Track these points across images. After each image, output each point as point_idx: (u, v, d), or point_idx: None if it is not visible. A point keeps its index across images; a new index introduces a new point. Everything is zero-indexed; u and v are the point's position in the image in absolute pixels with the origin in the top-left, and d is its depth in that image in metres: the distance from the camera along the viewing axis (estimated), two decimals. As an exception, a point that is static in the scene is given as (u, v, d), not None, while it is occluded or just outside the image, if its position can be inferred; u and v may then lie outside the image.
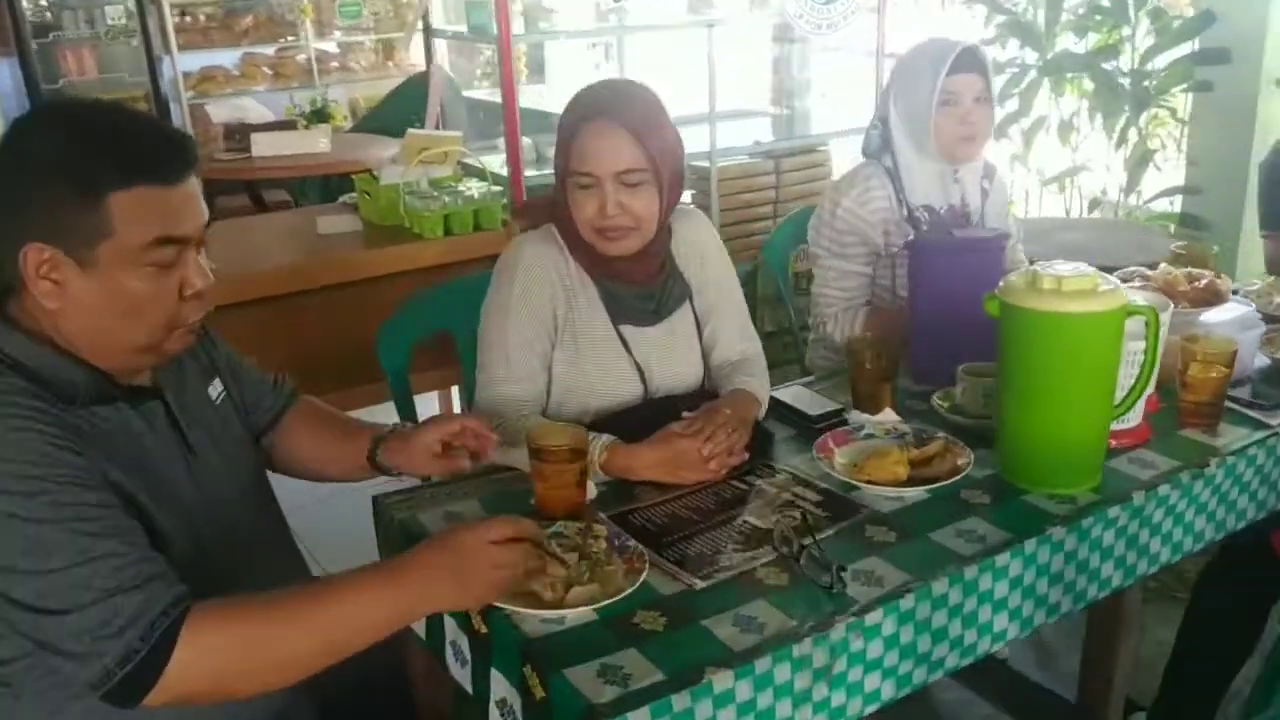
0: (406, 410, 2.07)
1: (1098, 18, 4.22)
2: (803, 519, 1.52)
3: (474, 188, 3.14)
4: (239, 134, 4.67)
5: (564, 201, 1.77)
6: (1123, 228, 3.79)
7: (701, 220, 1.96)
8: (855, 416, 1.80)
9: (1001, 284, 1.61)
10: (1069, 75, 4.38)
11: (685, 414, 1.71)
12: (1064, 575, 1.54)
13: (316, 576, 1.30)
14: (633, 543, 1.45)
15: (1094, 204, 4.45)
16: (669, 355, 1.88)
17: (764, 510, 1.57)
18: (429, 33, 4.23)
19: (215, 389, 1.50)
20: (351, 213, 3.31)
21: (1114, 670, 1.76)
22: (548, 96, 5.25)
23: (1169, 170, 4.35)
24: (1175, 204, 4.16)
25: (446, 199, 3.01)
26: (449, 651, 1.47)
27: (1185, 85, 3.97)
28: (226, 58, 6.28)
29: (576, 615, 1.32)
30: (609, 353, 1.82)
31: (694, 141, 3.93)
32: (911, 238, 2.30)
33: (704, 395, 1.91)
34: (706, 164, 3.55)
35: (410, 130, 3.10)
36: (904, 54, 2.32)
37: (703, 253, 1.93)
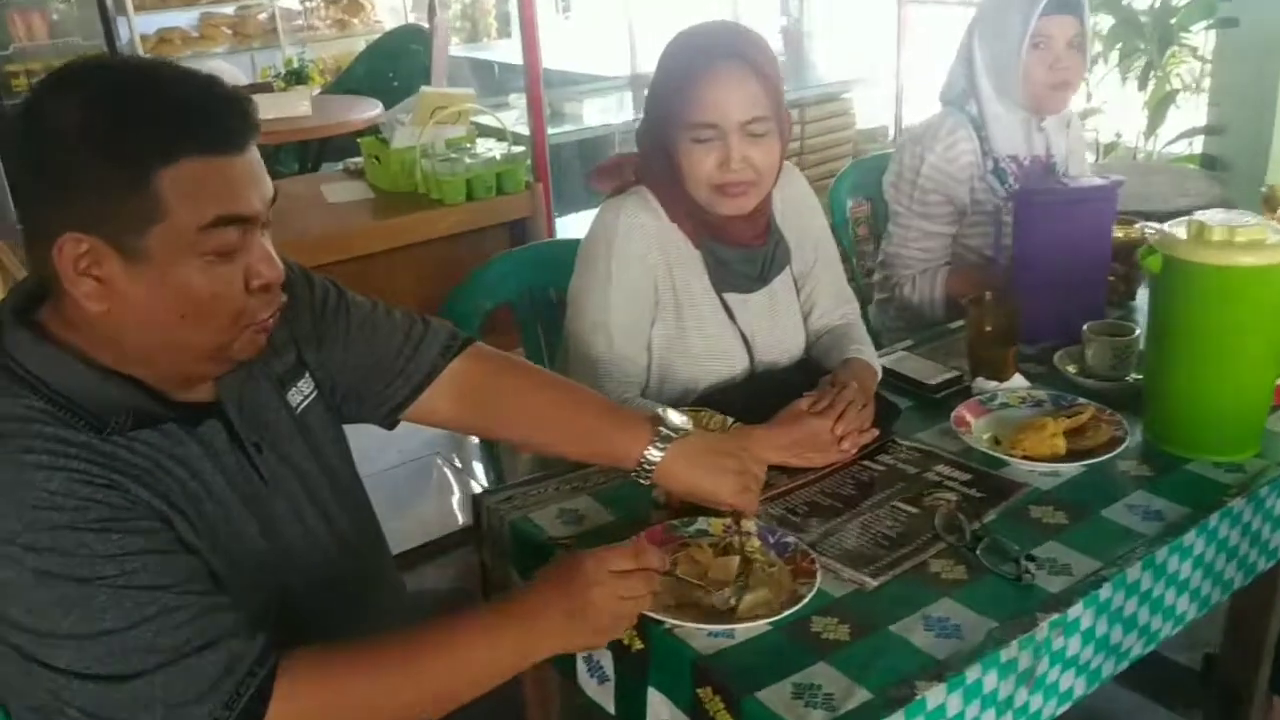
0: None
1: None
2: (961, 502, 1.39)
3: (494, 148, 2.94)
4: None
5: (666, 158, 1.59)
6: (1157, 170, 3.67)
7: (796, 174, 1.80)
8: (982, 384, 1.66)
9: (1157, 236, 1.48)
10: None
11: (807, 392, 1.56)
12: (1239, 549, 1.42)
13: (426, 620, 1.11)
14: (791, 539, 1.30)
15: (1110, 148, 4.33)
16: (773, 323, 1.73)
17: (911, 493, 1.43)
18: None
19: (299, 392, 1.26)
20: (358, 179, 3.10)
21: (1263, 644, 1.66)
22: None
23: (1187, 110, 4.24)
24: (1194, 145, 4.06)
25: (469, 161, 2.81)
26: (582, 667, 1.32)
27: (1209, 22, 3.85)
28: (184, 18, 5.95)
29: (747, 627, 1.17)
30: (714, 324, 1.66)
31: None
32: (1013, 188, 2.17)
33: (806, 367, 1.77)
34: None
35: (424, 88, 2.88)
36: None
37: (800, 209, 1.77)
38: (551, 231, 3.00)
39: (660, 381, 1.67)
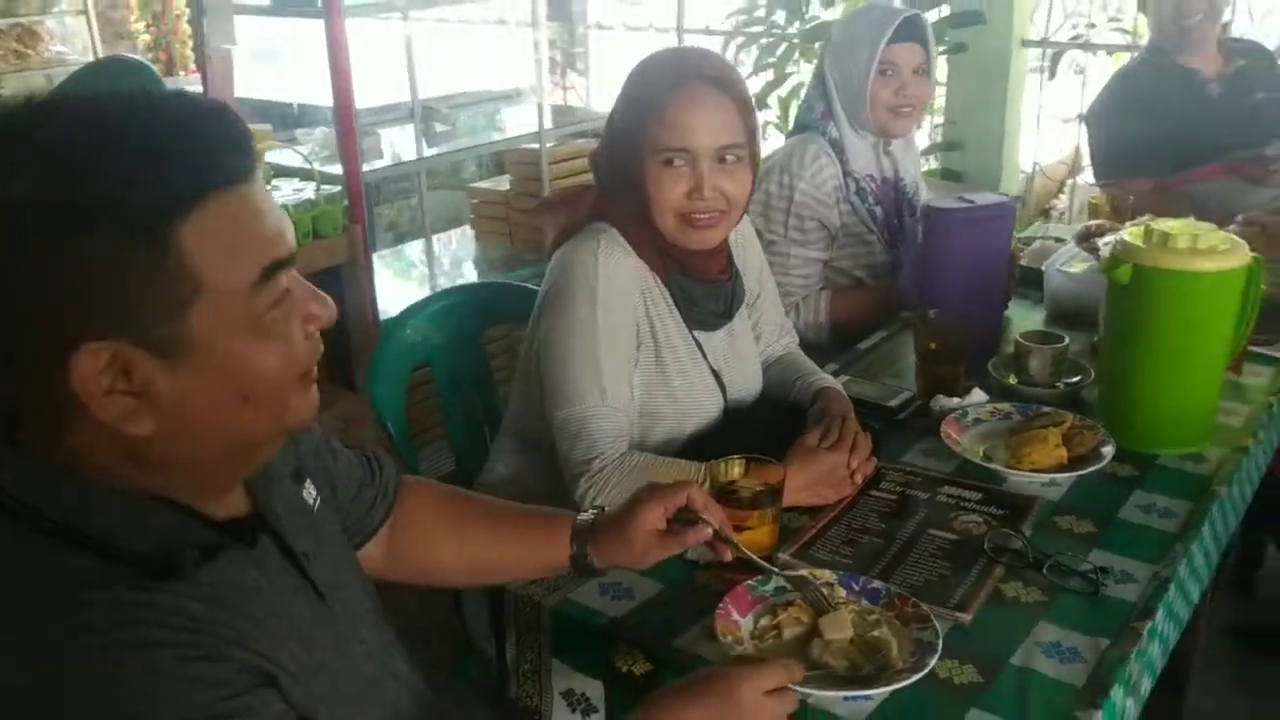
0: (414, 468, 1.69)
1: (849, -14, 4.36)
2: (993, 521, 1.39)
3: (303, 188, 2.67)
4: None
5: (632, 188, 1.49)
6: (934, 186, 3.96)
7: None
8: (943, 402, 1.68)
9: (1114, 247, 1.56)
10: (815, 44, 4.50)
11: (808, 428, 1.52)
12: (1229, 527, 1.54)
13: None
14: (879, 584, 1.24)
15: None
16: (737, 360, 1.67)
17: (938, 519, 1.42)
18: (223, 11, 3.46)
19: (309, 492, 1.05)
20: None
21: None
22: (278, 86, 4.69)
23: (924, 129, 4.61)
24: (931, 161, 4.41)
25: (282, 204, 2.53)
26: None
27: (942, 48, 4.21)
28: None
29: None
30: (690, 364, 1.58)
31: (518, 122, 3.64)
32: (874, 208, 2.23)
33: (772, 402, 1.72)
34: (535, 145, 3.26)
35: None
36: (842, 19, 2.22)
37: (747, 241, 1.72)
38: (370, 278, 2.77)
39: (644, 432, 1.56)
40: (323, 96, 3.51)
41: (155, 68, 5.87)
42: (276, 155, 2.87)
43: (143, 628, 0.74)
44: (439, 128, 3.20)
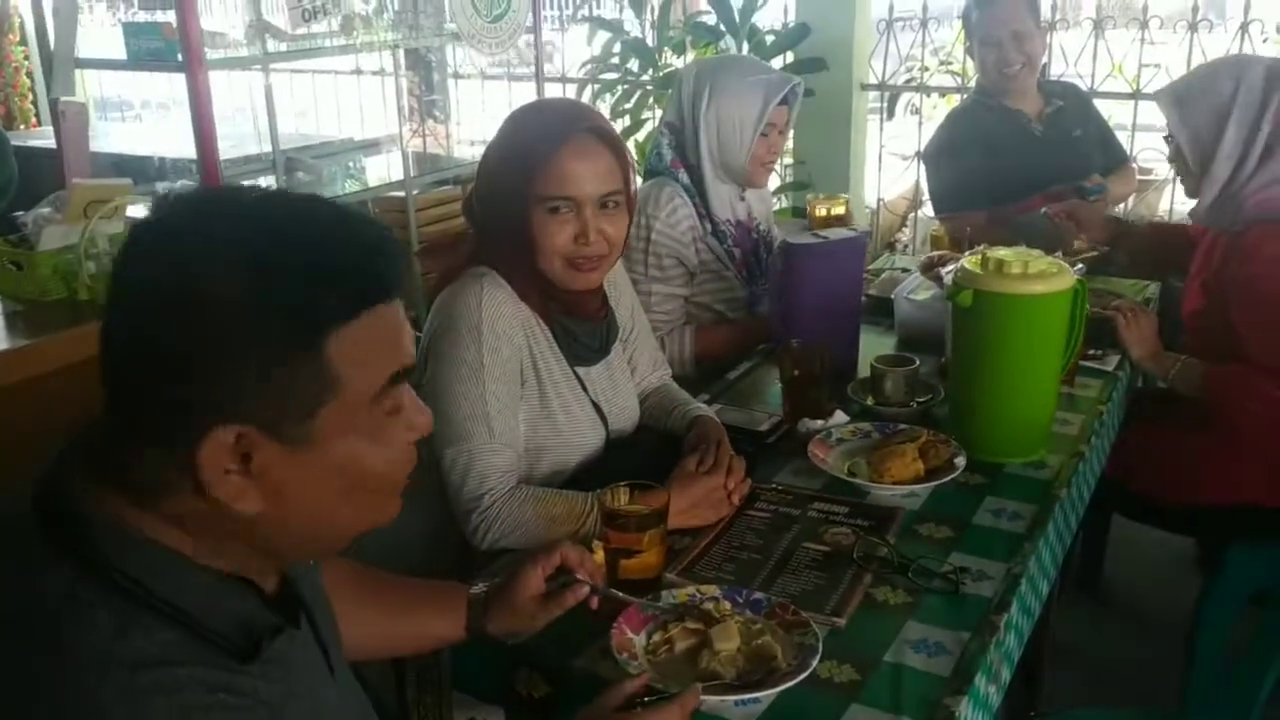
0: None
1: (697, 36, 4.53)
2: (859, 532, 1.49)
3: (166, 243, 2.63)
4: None
5: (512, 233, 1.56)
6: (785, 224, 4.14)
7: None
8: (809, 424, 1.79)
9: (955, 275, 1.70)
10: (668, 90, 4.66)
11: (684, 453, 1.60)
12: (1070, 525, 1.69)
13: None
14: (761, 596, 1.32)
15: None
16: (615, 391, 1.74)
17: (810, 533, 1.52)
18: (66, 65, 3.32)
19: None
20: (-16, 294, 2.61)
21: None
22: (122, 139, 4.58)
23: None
24: (783, 200, 4.61)
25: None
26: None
27: (788, 91, 4.42)
28: None
29: (772, 691, 1.18)
30: (572, 399, 1.64)
31: (380, 171, 3.64)
32: (732, 249, 2.35)
33: (645, 432, 1.80)
34: (400, 193, 3.28)
35: (75, 180, 2.51)
36: (711, 70, 2.32)
37: (618, 279, 1.80)
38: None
39: (531, 466, 1.61)
40: (182, 149, 3.48)
41: (-6, 123, 5.67)
42: (137, 210, 2.81)
43: (229, 713, 0.75)
44: (302, 177, 3.19)
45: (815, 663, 1.19)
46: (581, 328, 1.65)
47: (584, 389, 1.66)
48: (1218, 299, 2.13)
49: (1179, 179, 2.30)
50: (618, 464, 1.63)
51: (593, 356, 1.69)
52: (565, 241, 1.55)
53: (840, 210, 2.81)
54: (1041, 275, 1.64)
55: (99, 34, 3.80)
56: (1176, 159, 2.21)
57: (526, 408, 1.60)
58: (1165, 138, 2.25)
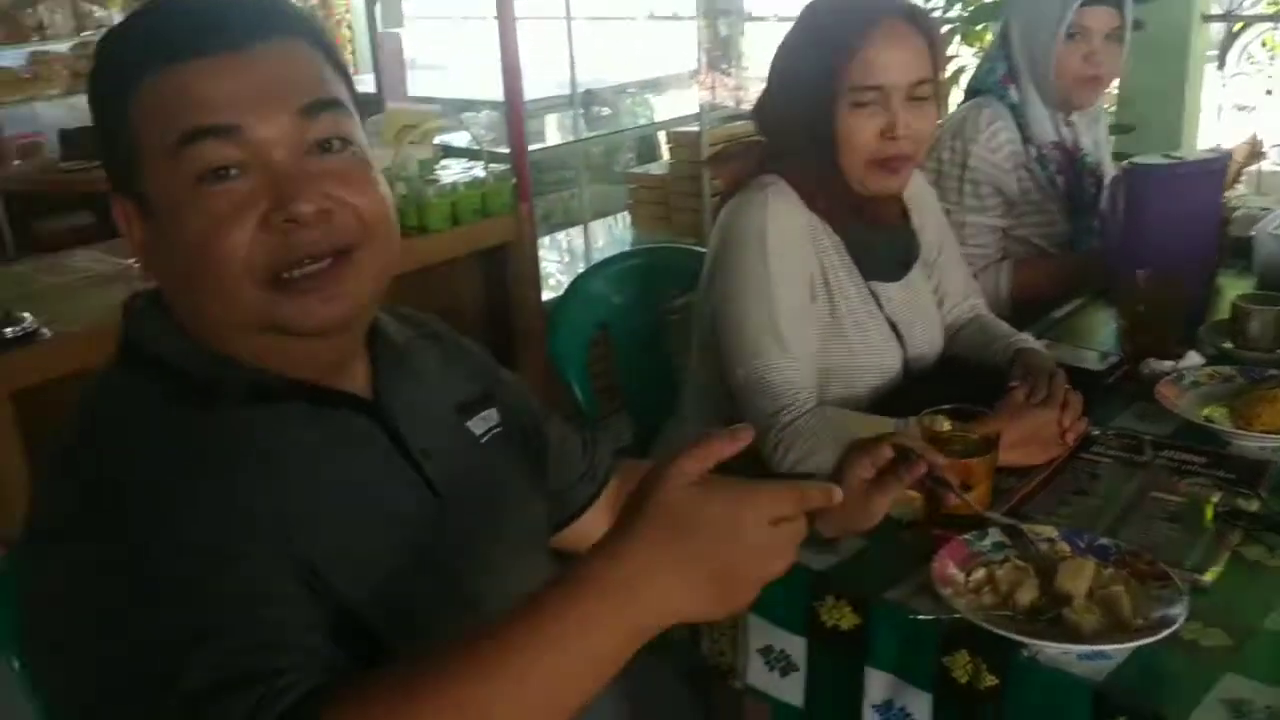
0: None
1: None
2: (1223, 483, 1.29)
3: (472, 167, 2.71)
4: (75, 140, 4.01)
5: (811, 132, 1.45)
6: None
7: None
8: (1156, 365, 1.58)
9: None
10: (978, 26, 4.35)
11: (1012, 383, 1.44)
12: None
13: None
14: (1108, 541, 1.16)
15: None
16: (916, 314, 1.60)
17: (1160, 481, 1.32)
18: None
19: (483, 421, 1.05)
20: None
21: None
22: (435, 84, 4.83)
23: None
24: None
25: (454, 183, 2.57)
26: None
27: (1117, 25, 4.02)
28: (11, 57, 5.35)
29: (1121, 647, 1.02)
30: (865, 315, 1.53)
31: (674, 106, 3.64)
32: (1056, 177, 2.12)
33: (953, 365, 1.64)
34: (694, 127, 3.23)
35: (390, 105, 2.63)
36: None
37: (922, 195, 1.67)
38: (535, 256, 2.78)
39: (820, 389, 1.50)
40: (486, 92, 3.59)
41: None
42: (446, 137, 2.92)
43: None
44: (599, 111, 3.21)
45: (1181, 620, 1.01)
46: (878, 237, 1.53)
47: (879, 305, 1.54)
48: None
49: None
50: (916, 397, 1.49)
51: (894, 272, 1.56)
52: (871, 137, 1.43)
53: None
54: None
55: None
56: None
57: (816, 324, 1.49)
58: None
